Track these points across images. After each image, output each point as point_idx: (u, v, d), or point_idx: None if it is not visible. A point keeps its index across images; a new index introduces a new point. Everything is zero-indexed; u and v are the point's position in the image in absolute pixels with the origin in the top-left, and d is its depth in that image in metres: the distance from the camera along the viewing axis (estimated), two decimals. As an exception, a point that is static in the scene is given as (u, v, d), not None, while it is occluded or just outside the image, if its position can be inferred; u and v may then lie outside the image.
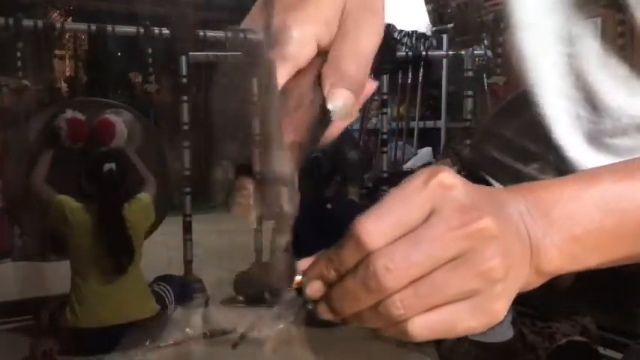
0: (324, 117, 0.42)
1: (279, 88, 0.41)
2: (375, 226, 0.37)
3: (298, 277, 0.41)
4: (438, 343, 2.62)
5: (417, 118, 5.19)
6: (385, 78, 4.54)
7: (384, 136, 4.60)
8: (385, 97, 4.60)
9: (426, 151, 5.17)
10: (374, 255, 0.37)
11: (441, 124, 5.28)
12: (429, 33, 4.81)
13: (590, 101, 0.66)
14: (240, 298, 3.57)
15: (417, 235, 0.37)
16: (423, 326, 0.38)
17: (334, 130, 0.45)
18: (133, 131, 3.40)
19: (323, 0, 0.44)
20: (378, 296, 0.37)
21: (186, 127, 3.85)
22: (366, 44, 0.44)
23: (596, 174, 0.44)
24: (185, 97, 3.83)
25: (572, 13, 0.61)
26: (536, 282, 0.43)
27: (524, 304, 2.74)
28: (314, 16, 0.43)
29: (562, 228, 0.42)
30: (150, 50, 3.81)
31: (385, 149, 4.58)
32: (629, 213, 0.43)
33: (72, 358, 2.91)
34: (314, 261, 0.41)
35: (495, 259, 0.38)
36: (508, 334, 2.52)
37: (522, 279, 0.41)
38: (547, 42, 0.62)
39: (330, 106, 0.41)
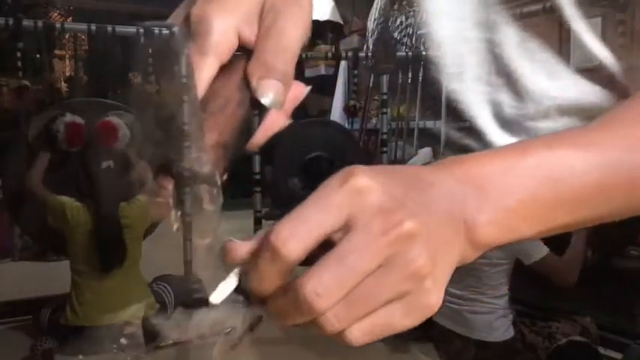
0: (253, 114, 0.42)
1: (203, 83, 0.41)
2: (290, 233, 0.37)
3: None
4: (438, 343, 2.62)
5: (417, 118, 5.19)
6: (385, 78, 4.53)
7: (384, 136, 4.60)
8: (385, 97, 4.60)
9: (426, 151, 5.16)
10: (301, 281, 0.36)
11: (441, 124, 5.28)
12: (337, 19, 4.69)
13: (511, 86, 0.66)
14: (241, 298, 3.56)
15: (340, 251, 0.36)
16: (361, 333, 0.37)
17: (261, 135, 0.44)
18: (135, 133, 3.41)
19: None
20: (311, 317, 0.37)
21: (186, 127, 3.84)
22: (291, 37, 0.43)
23: (530, 144, 0.43)
24: (185, 97, 3.83)
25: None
26: (472, 255, 0.42)
27: (524, 304, 2.75)
28: (234, 7, 0.42)
29: (497, 201, 0.41)
30: (150, 50, 3.80)
31: (385, 149, 4.58)
32: (565, 181, 0.42)
33: (72, 357, 2.91)
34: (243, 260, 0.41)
35: (420, 258, 0.37)
36: (508, 334, 2.52)
37: (454, 259, 0.40)
38: (464, 29, 0.62)
39: (262, 100, 0.41)
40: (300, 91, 0.45)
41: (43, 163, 3.14)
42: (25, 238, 4.60)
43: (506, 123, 0.66)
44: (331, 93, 6.78)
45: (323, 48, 6.38)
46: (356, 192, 0.38)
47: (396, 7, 5.25)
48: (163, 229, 3.54)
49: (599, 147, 0.44)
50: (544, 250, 2.41)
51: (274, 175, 4.81)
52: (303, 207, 0.38)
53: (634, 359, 2.36)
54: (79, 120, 3.31)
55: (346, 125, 5.14)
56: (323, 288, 0.36)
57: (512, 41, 0.64)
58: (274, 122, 0.44)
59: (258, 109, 0.42)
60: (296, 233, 0.36)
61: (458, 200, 0.40)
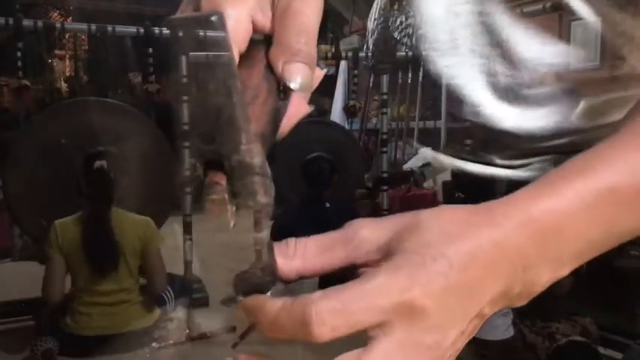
0: (283, 100, 0.41)
1: None
2: (330, 319, 0.35)
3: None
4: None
5: (417, 118, 5.19)
6: (385, 78, 4.54)
7: (384, 136, 4.60)
8: (385, 97, 4.60)
9: (426, 151, 5.17)
10: (312, 306, 0.36)
11: (441, 124, 5.28)
12: None
13: (505, 56, 0.66)
14: (240, 298, 3.56)
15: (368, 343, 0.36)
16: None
17: (288, 122, 0.43)
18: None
19: None
20: (306, 339, 0.36)
21: (186, 127, 3.85)
22: (309, 17, 0.42)
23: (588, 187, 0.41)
24: (185, 97, 3.83)
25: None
26: (522, 301, 0.42)
27: (525, 304, 2.74)
28: None
29: (560, 257, 0.40)
30: (150, 50, 3.81)
31: (385, 149, 4.58)
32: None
33: (72, 359, 2.91)
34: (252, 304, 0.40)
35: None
36: (508, 333, 2.52)
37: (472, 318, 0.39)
38: (455, 3, 0.62)
39: (291, 85, 0.40)
40: (318, 74, 0.44)
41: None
42: (25, 238, 4.60)
43: (502, 92, 0.66)
44: (331, 93, 6.79)
45: (323, 48, 6.38)
46: (408, 309, 0.36)
47: (396, 7, 5.25)
48: (163, 229, 3.54)
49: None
50: None
51: (274, 175, 4.80)
52: (353, 295, 0.36)
53: (634, 359, 2.36)
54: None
55: (346, 125, 5.15)
56: (331, 325, 0.35)
57: (503, 11, 0.63)
58: (299, 108, 0.43)
59: (284, 95, 0.42)
60: (335, 323, 0.35)
61: (525, 267, 0.39)
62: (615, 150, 0.42)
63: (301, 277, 0.40)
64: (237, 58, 0.41)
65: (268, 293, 0.40)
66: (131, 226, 2.96)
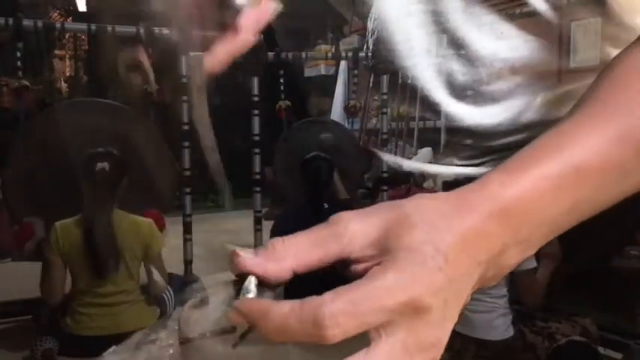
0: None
1: None
2: (343, 321, 0.35)
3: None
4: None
5: (416, 119, 5.19)
6: (385, 78, 4.54)
7: (384, 136, 4.60)
8: (385, 97, 4.60)
9: (426, 151, 5.17)
10: (324, 307, 0.35)
11: (441, 124, 5.28)
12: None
13: (462, 54, 0.66)
14: (241, 297, 3.56)
15: (371, 351, 0.36)
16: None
17: (223, 52, 0.40)
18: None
19: None
20: (316, 340, 0.36)
21: (186, 127, 3.85)
22: None
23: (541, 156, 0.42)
24: (185, 97, 3.84)
25: None
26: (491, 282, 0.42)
27: (525, 304, 2.74)
28: None
29: (528, 239, 0.41)
30: (150, 50, 3.82)
31: (385, 149, 4.58)
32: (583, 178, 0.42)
33: (72, 359, 2.91)
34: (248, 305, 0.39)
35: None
36: (508, 333, 2.52)
37: (462, 303, 0.40)
38: (408, 3, 0.61)
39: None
40: (266, 10, 0.41)
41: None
42: (25, 238, 4.59)
43: (460, 90, 0.66)
44: (331, 93, 6.79)
45: (323, 48, 6.39)
46: (413, 309, 0.36)
47: None
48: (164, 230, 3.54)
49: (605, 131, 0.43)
50: (533, 263, 2.43)
51: (274, 175, 4.81)
52: (364, 296, 0.36)
53: (634, 359, 2.36)
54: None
55: (346, 125, 5.15)
56: (344, 327, 0.35)
57: (457, 9, 0.63)
58: (238, 39, 0.41)
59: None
60: (348, 325, 0.35)
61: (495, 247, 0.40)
62: (578, 129, 0.43)
63: (296, 275, 0.39)
64: None
65: (250, 295, 0.39)
66: (132, 228, 2.95)
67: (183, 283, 3.58)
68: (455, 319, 0.39)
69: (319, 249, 0.39)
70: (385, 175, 4.45)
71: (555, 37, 4.21)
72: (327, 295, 0.36)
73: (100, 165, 2.91)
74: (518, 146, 0.44)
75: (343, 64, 6.30)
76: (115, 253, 2.87)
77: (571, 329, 2.57)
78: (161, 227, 3.30)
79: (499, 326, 2.50)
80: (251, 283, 0.39)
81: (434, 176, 4.80)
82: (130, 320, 2.95)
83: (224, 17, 0.39)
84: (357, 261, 0.39)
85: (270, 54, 4.36)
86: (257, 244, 4.09)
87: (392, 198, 4.49)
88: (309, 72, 7.51)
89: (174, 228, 3.97)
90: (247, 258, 0.39)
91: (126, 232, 2.92)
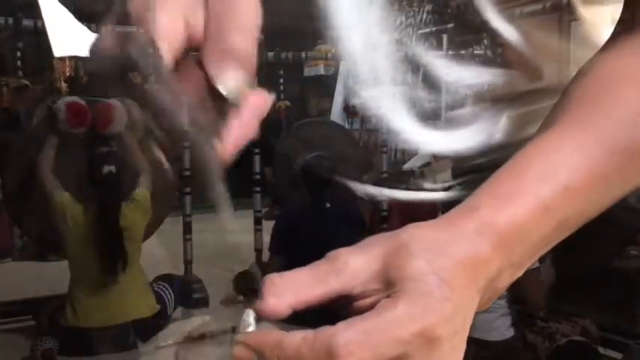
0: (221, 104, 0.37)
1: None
2: (357, 352, 0.35)
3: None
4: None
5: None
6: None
7: (384, 136, 4.60)
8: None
9: (425, 152, 5.17)
10: (337, 338, 0.35)
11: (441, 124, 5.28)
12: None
13: (427, 81, 0.66)
14: (240, 297, 3.57)
15: None
16: None
17: (231, 147, 0.39)
18: (135, 119, 3.32)
19: None
20: None
21: (186, 127, 3.85)
22: (247, 12, 0.38)
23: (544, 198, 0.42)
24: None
25: (391, 2, 0.60)
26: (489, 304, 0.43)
27: (525, 304, 2.75)
28: None
29: (520, 261, 0.42)
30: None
31: (385, 149, 4.58)
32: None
33: (72, 358, 2.91)
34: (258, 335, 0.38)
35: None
36: (508, 333, 2.52)
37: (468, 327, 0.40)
38: (373, 35, 0.62)
39: (219, 88, 0.36)
40: (263, 100, 0.39)
41: (51, 148, 3.04)
42: (25, 238, 4.60)
43: (426, 117, 0.66)
44: (331, 93, 6.79)
45: (323, 48, 6.38)
46: (427, 340, 0.36)
47: (396, 6, 5.24)
48: (163, 229, 3.55)
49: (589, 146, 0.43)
50: (535, 263, 2.43)
51: (275, 175, 4.81)
52: (376, 326, 0.36)
53: (634, 359, 2.36)
54: (80, 101, 3.22)
55: (346, 125, 5.15)
56: (358, 357, 0.35)
57: (420, 37, 0.64)
58: (243, 132, 0.39)
59: (220, 103, 0.37)
60: (362, 355, 0.35)
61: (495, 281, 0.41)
62: (560, 147, 0.43)
63: (295, 312, 0.38)
64: (170, 59, 0.37)
65: (250, 329, 0.38)
66: (132, 211, 2.98)
67: (183, 283, 3.58)
68: (463, 348, 0.39)
69: (320, 285, 0.38)
70: (385, 175, 4.45)
71: (555, 37, 4.21)
72: (341, 325, 0.36)
73: (107, 169, 2.89)
74: (489, 168, 0.44)
75: (343, 64, 6.29)
76: (123, 253, 2.89)
77: (571, 329, 2.57)
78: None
79: (499, 326, 2.50)
80: (249, 316, 0.38)
81: (434, 176, 4.80)
82: (130, 311, 2.96)
83: (223, 106, 0.38)
84: (360, 296, 0.38)
85: (270, 54, 4.36)
86: (257, 244, 4.09)
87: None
88: (309, 72, 7.51)
89: (174, 228, 3.97)
90: None
91: (129, 221, 2.95)
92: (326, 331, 0.35)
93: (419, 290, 0.37)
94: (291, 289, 0.38)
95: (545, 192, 0.41)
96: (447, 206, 0.46)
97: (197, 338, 3.19)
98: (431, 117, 0.67)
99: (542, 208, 0.41)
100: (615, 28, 0.55)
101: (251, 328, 0.38)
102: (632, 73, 0.47)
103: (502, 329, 2.51)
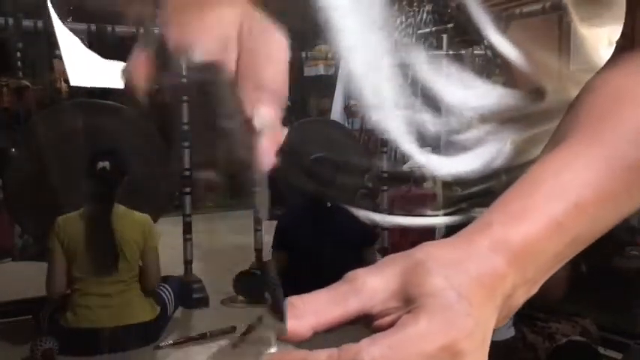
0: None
1: None
2: None
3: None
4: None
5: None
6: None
7: (384, 137, 4.60)
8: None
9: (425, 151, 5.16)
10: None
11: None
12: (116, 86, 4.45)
13: (432, 105, 0.66)
14: (240, 298, 3.57)
15: None
16: None
17: (265, 157, 0.43)
18: None
19: (223, 14, 0.42)
20: None
21: (186, 127, 3.85)
22: (277, 47, 0.42)
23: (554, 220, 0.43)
24: (185, 97, 3.83)
25: (394, 26, 0.61)
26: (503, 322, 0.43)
27: (525, 305, 2.75)
28: (214, 29, 0.42)
29: (534, 278, 0.42)
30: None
31: (385, 149, 4.58)
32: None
33: (72, 358, 2.91)
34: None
35: None
36: (508, 333, 2.52)
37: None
38: (374, 57, 0.62)
39: (255, 122, 0.41)
40: (282, 137, 0.44)
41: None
42: (25, 238, 4.60)
43: (429, 141, 0.67)
44: (331, 93, 6.79)
45: (323, 48, 6.38)
46: (451, 355, 0.37)
47: (396, 6, 5.24)
48: (163, 229, 3.55)
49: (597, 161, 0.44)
50: None
51: (275, 175, 4.81)
52: (401, 341, 0.36)
53: (634, 359, 2.36)
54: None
55: (346, 125, 5.15)
56: None
57: (424, 60, 0.64)
58: (273, 143, 0.43)
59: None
60: None
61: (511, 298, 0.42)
62: (569, 164, 0.44)
63: (316, 333, 0.39)
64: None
65: (273, 349, 0.38)
66: (132, 223, 2.98)
67: (183, 284, 3.59)
68: (486, 358, 0.39)
69: (339, 306, 0.39)
70: (385, 175, 4.45)
71: (555, 37, 4.21)
72: (365, 342, 0.36)
73: (101, 164, 2.92)
74: (491, 193, 0.45)
75: (343, 64, 6.29)
76: (115, 250, 2.90)
77: (571, 329, 2.57)
78: None
79: (499, 327, 2.50)
80: (271, 338, 0.38)
81: (433, 176, 4.80)
82: (129, 313, 2.97)
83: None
84: (380, 315, 0.39)
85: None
86: (257, 244, 4.09)
87: (392, 198, 4.50)
88: (309, 72, 7.51)
89: (174, 228, 3.97)
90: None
91: (125, 227, 2.94)
92: (351, 348, 0.35)
93: (439, 305, 0.37)
94: (311, 310, 0.38)
95: (557, 209, 0.42)
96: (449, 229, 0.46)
97: (198, 338, 3.19)
98: (434, 140, 0.67)
99: (554, 225, 0.41)
100: (616, 46, 0.56)
101: (274, 350, 0.38)
102: (635, 91, 0.48)
103: (502, 329, 2.51)
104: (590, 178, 0.43)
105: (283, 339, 0.38)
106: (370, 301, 0.38)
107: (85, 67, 3.69)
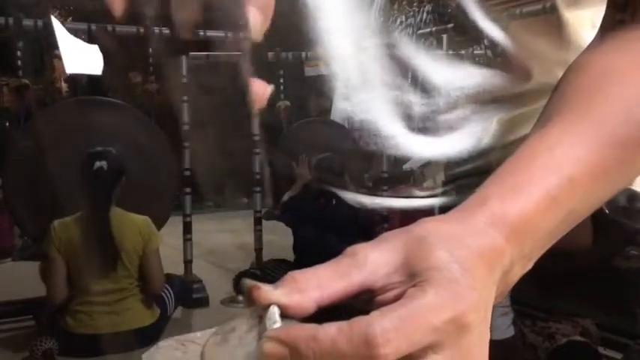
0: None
1: None
2: (395, 338, 0.34)
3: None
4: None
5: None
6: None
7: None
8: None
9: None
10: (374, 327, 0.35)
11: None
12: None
13: (418, 85, 0.66)
14: (240, 298, 3.57)
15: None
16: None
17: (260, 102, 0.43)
18: None
19: None
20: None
21: (186, 127, 3.85)
22: None
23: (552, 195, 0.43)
24: (185, 97, 3.84)
25: (382, 4, 0.62)
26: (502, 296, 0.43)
27: (525, 304, 2.75)
28: None
29: (530, 254, 0.43)
30: (150, 50, 3.82)
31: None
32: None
33: (72, 358, 2.91)
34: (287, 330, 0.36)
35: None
36: (508, 333, 2.52)
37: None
38: (361, 38, 0.61)
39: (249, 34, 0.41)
40: (264, 88, 0.43)
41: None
42: (25, 238, 4.60)
43: (417, 121, 0.67)
44: (331, 93, 6.78)
45: (323, 48, 6.38)
46: (458, 327, 0.36)
47: (396, 6, 5.25)
48: (163, 229, 3.55)
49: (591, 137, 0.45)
50: None
51: (274, 176, 4.81)
52: (410, 314, 0.35)
53: (634, 359, 2.36)
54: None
55: (346, 125, 5.14)
56: (396, 345, 0.35)
57: (409, 41, 0.65)
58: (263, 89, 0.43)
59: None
60: (399, 342, 0.35)
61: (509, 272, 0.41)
62: (562, 140, 0.45)
63: (319, 308, 0.38)
64: None
65: (277, 325, 0.37)
66: (130, 226, 2.96)
67: (183, 283, 3.58)
68: (488, 338, 0.39)
69: (342, 279, 0.38)
70: (385, 175, 4.45)
71: (555, 37, 4.21)
72: (375, 314, 0.35)
73: (98, 164, 2.92)
74: (479, 172, 0.45)
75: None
76: (113, 251, 2.88)
77: (571, 329, 2.57)
78: None
79: (499, 326, 2.50)
80: (275, 313, 0.37)
81: (434, 176, 4.80)
82: (129, 319, 2.96)
83: None
84: (383, 289, 0.38)
85: (270, 54, 4.36)
86: (257, 244, 4.09)
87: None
88: (309, 72, 7.51)
89: (174, 228, 3.97)
90: (270, 290, 0.38)
91: (124, 230, 2.93)
92: (361, 320, 0.35)
93: (445, 278, 0.37)
94: (313, 284, 0.38)
95: (552, 183, 0.42)
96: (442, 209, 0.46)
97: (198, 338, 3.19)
98: (422, 121, 0.67)
99: (550, 199, 0.42)
100: (601, 26, 0.56)
101: (277, 325, 0.37)
102: (622, 69, 0.49)
103: (502, 328, 2.51)
104: (582, 153, 0.44)
105: (287, 312, 0.37)
106: (373, 275, 0.38)
107: (81, 56, 3.69)
